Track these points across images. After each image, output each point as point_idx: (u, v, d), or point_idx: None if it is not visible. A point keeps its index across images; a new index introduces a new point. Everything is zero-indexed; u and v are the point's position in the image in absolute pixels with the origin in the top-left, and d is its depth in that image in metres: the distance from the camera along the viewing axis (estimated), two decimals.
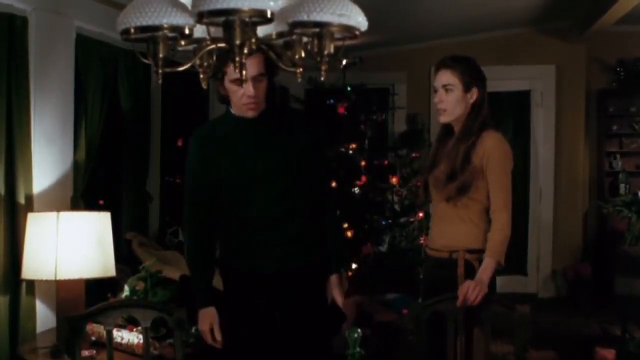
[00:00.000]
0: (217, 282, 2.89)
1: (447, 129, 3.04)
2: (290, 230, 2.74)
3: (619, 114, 7.50)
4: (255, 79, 2.59)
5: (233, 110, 2.75)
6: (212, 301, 2.77)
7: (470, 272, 2.81)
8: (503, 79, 7.24)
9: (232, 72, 2.53)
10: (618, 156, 7.52)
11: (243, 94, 2.62)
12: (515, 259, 6.94)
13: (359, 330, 1.82)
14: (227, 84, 2.63)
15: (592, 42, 7.23)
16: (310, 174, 2.79)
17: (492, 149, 2.87)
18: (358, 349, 1.81)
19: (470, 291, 2.70)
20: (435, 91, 2.95)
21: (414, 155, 6.72)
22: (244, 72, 1.42)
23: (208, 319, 2.74)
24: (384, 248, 6.12)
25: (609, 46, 7.26)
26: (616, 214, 5.95)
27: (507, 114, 7.70)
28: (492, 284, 2.83)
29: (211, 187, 2.74)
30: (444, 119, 2.97)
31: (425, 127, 7.21)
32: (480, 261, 2.82)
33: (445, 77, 2.90)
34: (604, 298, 6.64)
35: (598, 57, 7.43)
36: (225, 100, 2.74)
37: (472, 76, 2.91)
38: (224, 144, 2.74)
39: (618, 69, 7.41)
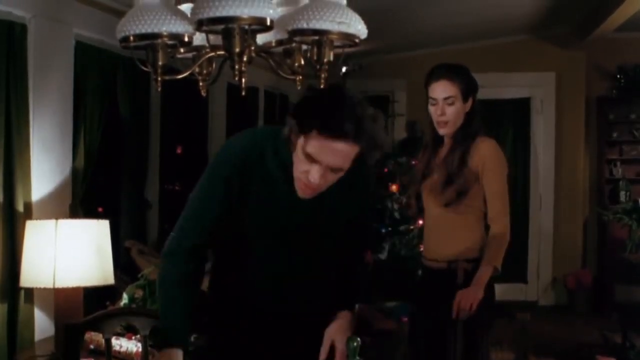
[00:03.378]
0: None
1: (436, 139, 3.01)
2: (299, 306, 2.07)
3: (619, 121, 7.49)
4: (333, 169, 1.84)
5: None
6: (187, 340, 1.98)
7: (469, 281, 2.79)
8: (503, 87, 7.27)
9: (310, 144, 1.76)
10: (618, 163, 7.51)
11: (305, 172, 1.85)
12: (515, 266, 6.93)
13: (358, 339, 1.80)
14: (299, 144, 1.80)
15: (592, 49, 7.23)
16: (345, 243, 2.14)
17: (487, 155, 2.85)
18: (357, 358, 1.79)
19: (463, 301, 2.68)
20: (433, 103, 2.90)
21: (413, 162, 6.68)
22: None
23: None
24: (383, 256, 6.10)
25: (609, 53, 7.27)
26: (616, 222, 5.95)
27: (507, 121, 7.71)
28: (490, 291, 2.81)
29: (221, 224, 2.06)
30: (445, 131, 2.91)
31: (425, 134, 7.19)
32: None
33: (447, 89, 2.84)
34: (605, 306, 6.63)
35: (598, 64, 7.43)
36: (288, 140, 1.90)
37: (468, 86, 2.89)
38: (261, 188, 1.99)
39: (618, 76, 7.41)
